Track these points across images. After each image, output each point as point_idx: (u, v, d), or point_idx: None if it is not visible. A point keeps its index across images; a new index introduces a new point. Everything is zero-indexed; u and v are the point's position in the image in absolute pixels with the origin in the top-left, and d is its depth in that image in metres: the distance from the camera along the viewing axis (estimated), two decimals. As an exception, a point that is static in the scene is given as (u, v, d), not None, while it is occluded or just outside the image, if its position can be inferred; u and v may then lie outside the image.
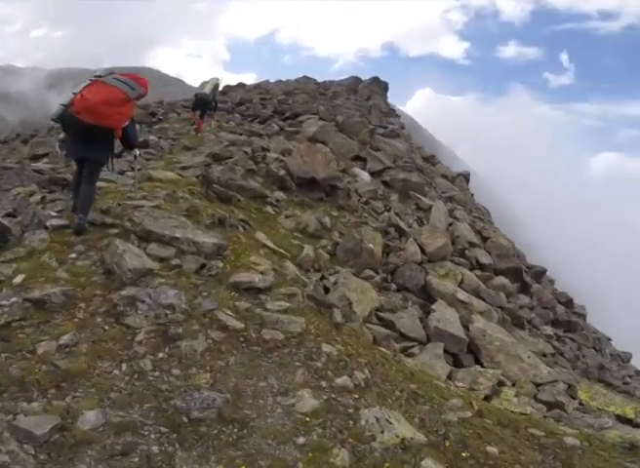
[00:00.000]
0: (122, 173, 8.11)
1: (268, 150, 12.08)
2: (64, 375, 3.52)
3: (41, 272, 4.74)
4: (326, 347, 4.79)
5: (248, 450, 3.35)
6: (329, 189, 10.50)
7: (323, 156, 10.75)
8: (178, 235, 5.27)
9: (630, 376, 11.69)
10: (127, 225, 5.50)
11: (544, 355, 8.90)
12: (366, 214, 10.57)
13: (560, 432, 4.90)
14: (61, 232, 5.43)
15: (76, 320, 4.17)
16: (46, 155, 11.71)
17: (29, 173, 8.59)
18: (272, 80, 34.19)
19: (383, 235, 9.54)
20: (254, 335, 4.50)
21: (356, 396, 4.35)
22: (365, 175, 12.74)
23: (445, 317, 7.30)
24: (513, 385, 6.84)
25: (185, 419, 3.42)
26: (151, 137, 11.45)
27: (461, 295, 8.33)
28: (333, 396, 4.22)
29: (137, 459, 3.06)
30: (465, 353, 7.21)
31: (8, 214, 5.88)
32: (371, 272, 8.17)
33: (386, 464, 3.50)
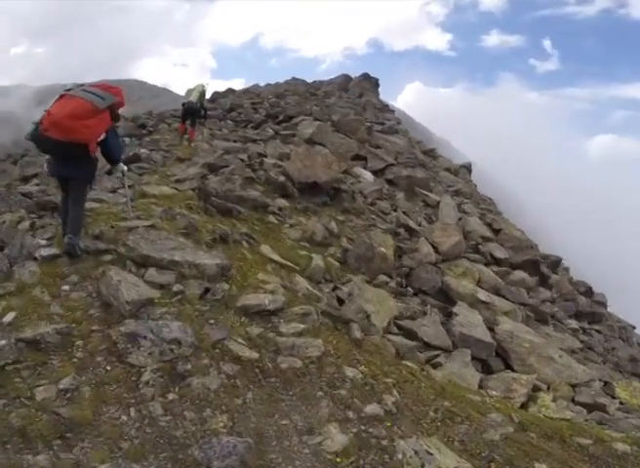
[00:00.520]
0: (114, 191, 7.66)
1: (265, 156, 11.67)
2: (69, 424, 3.22)
3: (33, 308, 4.39)
4: (349, 370, 4.45)
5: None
6: (332, 193, 10.07)
7: (323, 158, 10.31)
8: (177, 258, 4.83)
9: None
10: (121, 251, 5.08)
11: (573, 351, 8.46)
12: (373, 216, 10.12)
13: (607, 438, 4.64)
14: (52, 262, 5.08)
15: (75, 360, 3.82)
16: (35, 176, 11.32)
17: (16, 197, 8.14)
18: (261, 84, 33.90)
19: (394, 236, 9.12)
20: (270, 365, 4.08)
21: (388, 424, 4.01)
22: (368, 175, 12.28)
23: (468, 321, 6.87)
24: (548, 389, 6.45)
25: (206, 470, 3.05)
26: (142, 151, 11.01)
27: (482, 295, 7.89)
28: (363, 428, 3.86)
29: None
30: (494, 357, 6.78)
31: (-6, 246, 5.49)
32: (385, 277, 7.74)
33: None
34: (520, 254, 10.93)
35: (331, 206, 9.82)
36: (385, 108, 25.94)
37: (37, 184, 9.90)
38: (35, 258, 5.04)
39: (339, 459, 3.39)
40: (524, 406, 5.80)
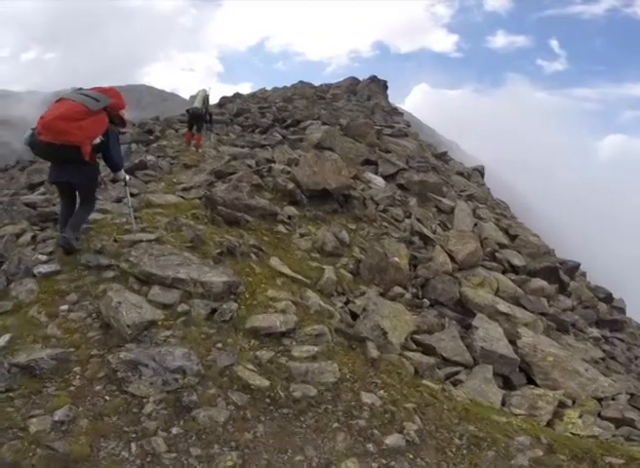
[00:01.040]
0: (119, 200, 7.40)
1: (273, 162, 11.39)
2: (65, 460, 2.96)
3: (29, 330, 4.15)
4: (366, 396, 4.12)
5: None
6: (343, 199, 9.71)
7: (332, 164, 9.97)
8: (182, 276, 4.53)
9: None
10: (124, 267, 4.80)
11: (596, 361, 8.07)
12: (386, 224, 9.74)
13: (638, 455, 4.29)
14: (51, 279, 4.85)
15: (72, 388, 3.56)
16: (42, 184, 11.16)
17: (19, 207, 7.91)
18: (269, 87, 33.72)
19: (408, 245, 8.75)
20: (282, 394, 3.76)
21: (411, 456, 3.70)
22: (379, 180, 11.91)
23: (489, 334, 6.50)
24: (573, 403, 6.09)
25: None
26: (149, 157, 10.77)
27: (502, 307, 7.51)
28: (384, 462, 3.55)
29: None
30: (516, 372, 6.41)
31: (-7, 261, 5.26)
32: (400, 289, 7.39)
33: None
34: (538, 261, 10.52)
35: (341, 213, 9.47)
36: (394, 111, 25.55)
37: (43, 193, 9.70)
38: (34, 275, 4.81)
39: (359, 500, 3.10)
40: (550, 423, 5.47)
